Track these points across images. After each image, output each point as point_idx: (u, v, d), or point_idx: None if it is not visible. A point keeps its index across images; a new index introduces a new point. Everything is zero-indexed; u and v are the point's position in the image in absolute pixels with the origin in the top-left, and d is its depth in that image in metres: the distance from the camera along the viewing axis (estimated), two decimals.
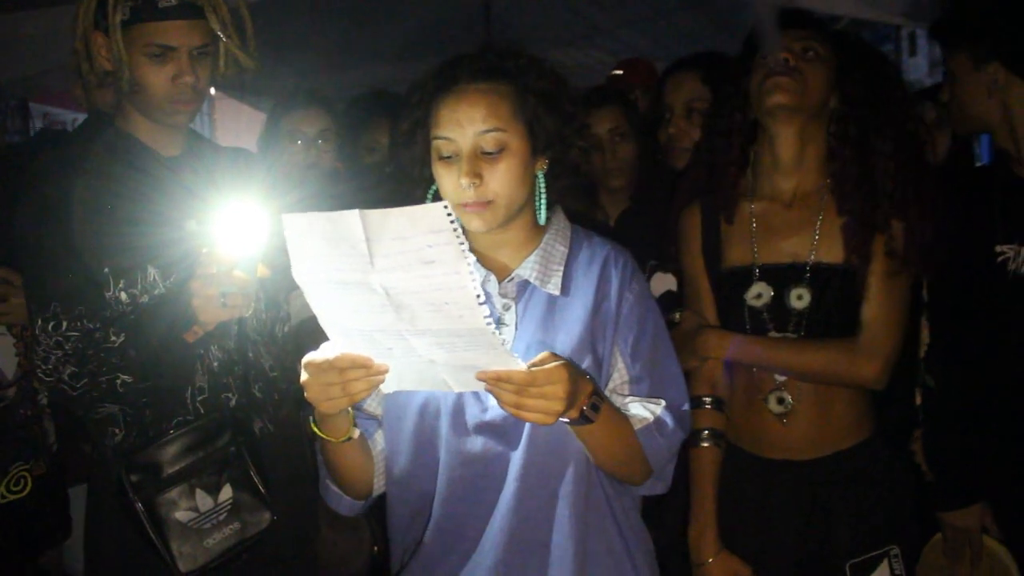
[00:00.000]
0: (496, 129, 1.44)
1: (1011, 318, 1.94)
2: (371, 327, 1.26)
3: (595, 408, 1.37)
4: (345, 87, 4.40)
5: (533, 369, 1.27)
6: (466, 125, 1.44)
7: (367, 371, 1.31)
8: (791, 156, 1.90)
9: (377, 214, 1.15)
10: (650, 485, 1.55)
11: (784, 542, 1.90)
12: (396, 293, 1.20)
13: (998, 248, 1.95)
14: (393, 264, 1.18)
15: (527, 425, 1.45)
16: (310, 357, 1.33)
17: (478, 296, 1.17)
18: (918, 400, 2.19)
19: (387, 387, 1.35)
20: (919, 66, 18.52)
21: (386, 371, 1.32)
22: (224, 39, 1.88)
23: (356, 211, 1.15)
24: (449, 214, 1.13)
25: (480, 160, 1.44)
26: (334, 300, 1.26)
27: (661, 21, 5.00)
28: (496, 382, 1.27)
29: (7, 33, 3.48)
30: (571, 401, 1.31)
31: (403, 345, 1.27)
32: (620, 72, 3.88)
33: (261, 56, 2.00)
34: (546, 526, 1.47)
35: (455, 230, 1.14)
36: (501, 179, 1.45)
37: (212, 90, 2.15)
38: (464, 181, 1.44)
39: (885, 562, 1.85)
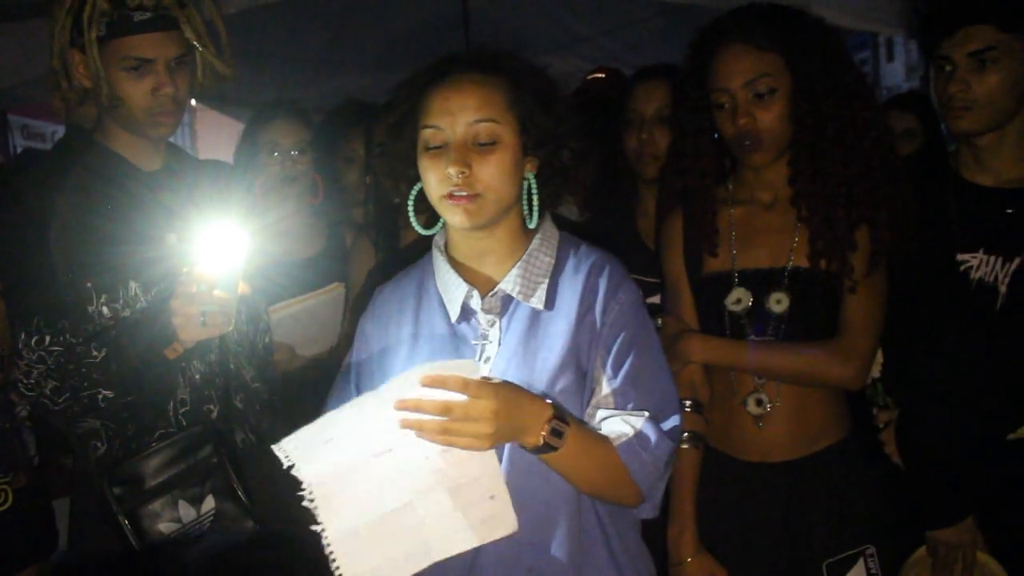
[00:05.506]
0: (490, 119, 1.39)
1: (977, 327, 1.88)
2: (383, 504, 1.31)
3: (557, 434, 1.29)
4: (325, 97, 4.40)
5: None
6: (458, 114, 1.39)
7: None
8: (767, 170, 1.91)
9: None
10: (641, 508, 1.47)
11: (762, 543, 1.91)
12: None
13: (959, 257, 1.90)
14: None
15: (506, 450, 1.39)
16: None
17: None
18: (879, 421, 2.10)
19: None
20: (896, 72, 18.64)
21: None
22: (200, 48, 1.88)
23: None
24: None
25: (471, 150, 1.39)
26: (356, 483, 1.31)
27: (639, 28, 5.00)
28: (416, 408, 1.21)
29: None
30: (508, 422, 1.25)
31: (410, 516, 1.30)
32: (602, 75, 3.73)
33: (242, 67, 2.01)
34: (540, 552, 1.41)
35: None
36: (491, 172, 1.39)
37: (193, 101, 2.16)
38: (452, 170, 1.37)
39: (861, 561, 1.86)
